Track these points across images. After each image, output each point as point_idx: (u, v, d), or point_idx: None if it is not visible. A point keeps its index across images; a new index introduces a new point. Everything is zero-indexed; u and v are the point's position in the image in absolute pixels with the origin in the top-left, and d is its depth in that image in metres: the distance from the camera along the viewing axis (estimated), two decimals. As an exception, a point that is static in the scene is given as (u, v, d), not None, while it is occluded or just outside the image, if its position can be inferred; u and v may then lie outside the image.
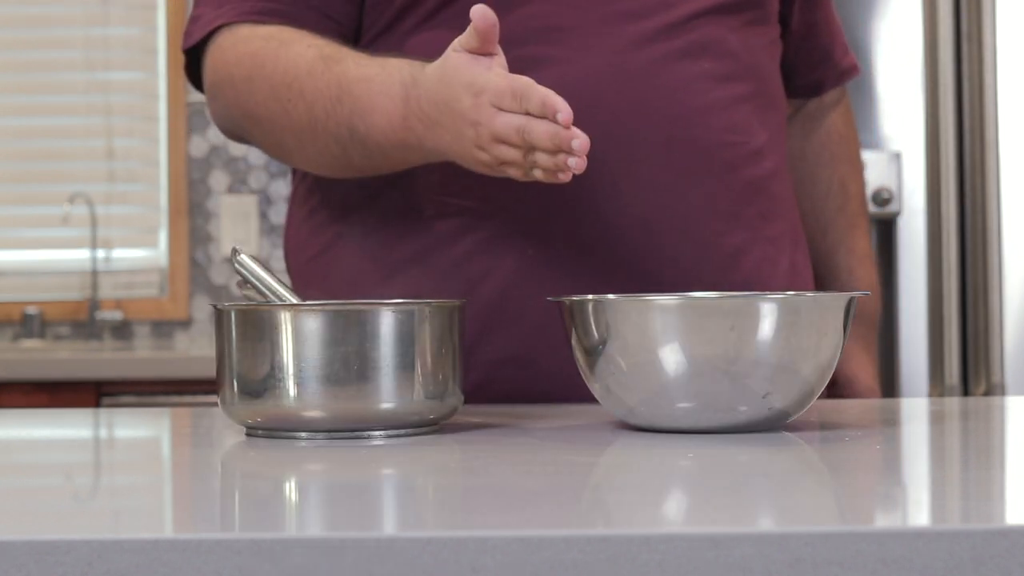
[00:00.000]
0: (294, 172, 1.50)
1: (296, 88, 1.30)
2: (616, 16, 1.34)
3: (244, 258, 1.14)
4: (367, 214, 1.38)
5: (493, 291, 1.32)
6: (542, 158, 1.16)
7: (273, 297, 1.14)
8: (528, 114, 1.15)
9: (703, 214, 1.34)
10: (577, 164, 1.14)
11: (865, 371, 1.57)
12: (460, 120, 1.19)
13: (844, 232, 1.59)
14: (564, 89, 1.31)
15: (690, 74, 1.34)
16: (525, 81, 1.16)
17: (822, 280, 1.59)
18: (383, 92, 1.25)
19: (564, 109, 1.14)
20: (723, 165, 1.35)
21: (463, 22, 1.32)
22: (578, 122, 1.31)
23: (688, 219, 1.33)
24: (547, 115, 1.15)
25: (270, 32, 1.35)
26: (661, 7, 1.35)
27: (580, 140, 1.14)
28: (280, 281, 1.15)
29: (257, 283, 1.14)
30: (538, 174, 1.18)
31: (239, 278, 1.16)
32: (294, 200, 1.49)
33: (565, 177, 1.16)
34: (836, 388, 1.56)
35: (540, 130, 1.15)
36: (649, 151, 1.32)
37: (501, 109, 1.16)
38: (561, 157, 1.15)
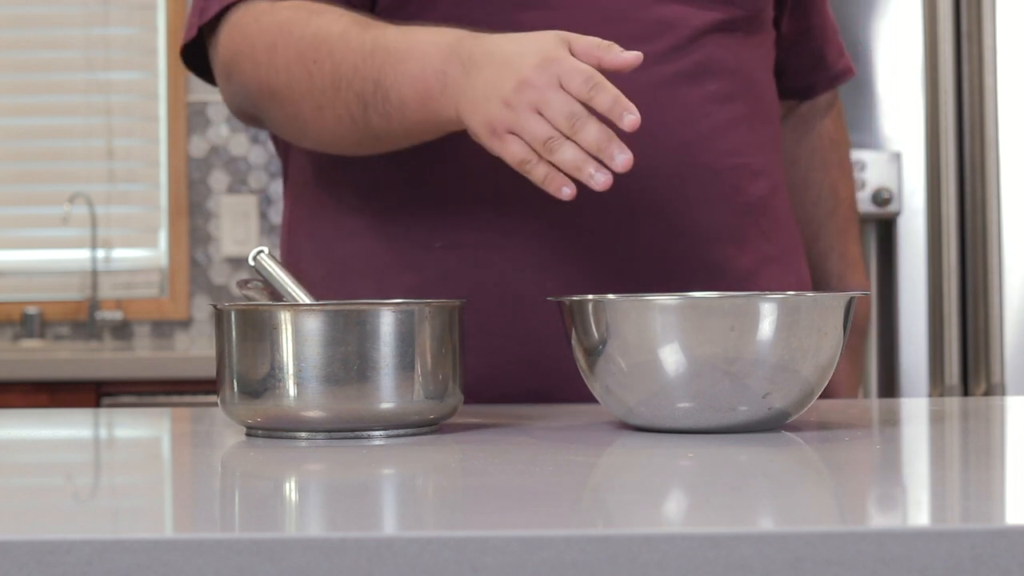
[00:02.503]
0: (285, 193, 1.47)
1: (325, 49, 1.25)
2: (622, 40, 1.32)
3: (264, 258, 1.13)
4: (373, 241, 1.36)
5: (507, 324, 1.31)
6: (568, 154, 1.11)
7: (293, 299, 1.13)
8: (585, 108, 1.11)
9: (714, 239, 1.34)
10: (603, 182, 1.10)
11: (845, 384, 1.56)
12: (508, 72, 1.13)
13: (835, 237, 1.58)
14: None
15: (695, 98, 1.33)
16: (602, 76, 1.12)
17: (814, 286, 1.59)
18: (429, 41, 1.20)
19: (635, 115, 1.09)
20: (729, 188, 1.35)
21: (480, 14, 1.29)
22: None
23: (699, 246, 1.33)
24: (612, 115, 1.10)
25: (297, 4, 1.30)
26: (665, 29, 1.33)
27: (625, 156, 1.10)
28: (300, 284, 1.14)
29: (276, 285, 1.13)
30: (540, 171, 1.12)
31: (240, 278, 1.16)
32: (291, 218, 1.47)
33: (568, 191, 1.12)
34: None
35: (595, 126, 1.10)
36: (661, 179, 1.31)
37: (563, 87, 1.11)
38: (590, 165, 1.10)
